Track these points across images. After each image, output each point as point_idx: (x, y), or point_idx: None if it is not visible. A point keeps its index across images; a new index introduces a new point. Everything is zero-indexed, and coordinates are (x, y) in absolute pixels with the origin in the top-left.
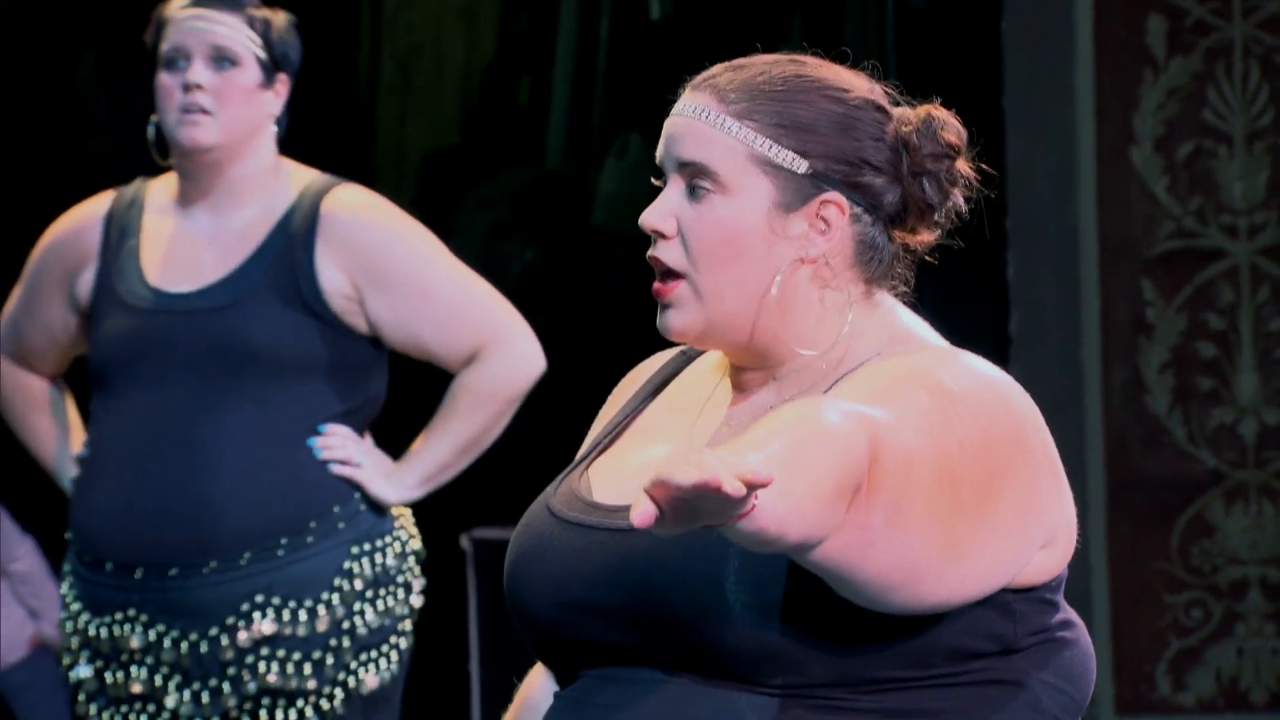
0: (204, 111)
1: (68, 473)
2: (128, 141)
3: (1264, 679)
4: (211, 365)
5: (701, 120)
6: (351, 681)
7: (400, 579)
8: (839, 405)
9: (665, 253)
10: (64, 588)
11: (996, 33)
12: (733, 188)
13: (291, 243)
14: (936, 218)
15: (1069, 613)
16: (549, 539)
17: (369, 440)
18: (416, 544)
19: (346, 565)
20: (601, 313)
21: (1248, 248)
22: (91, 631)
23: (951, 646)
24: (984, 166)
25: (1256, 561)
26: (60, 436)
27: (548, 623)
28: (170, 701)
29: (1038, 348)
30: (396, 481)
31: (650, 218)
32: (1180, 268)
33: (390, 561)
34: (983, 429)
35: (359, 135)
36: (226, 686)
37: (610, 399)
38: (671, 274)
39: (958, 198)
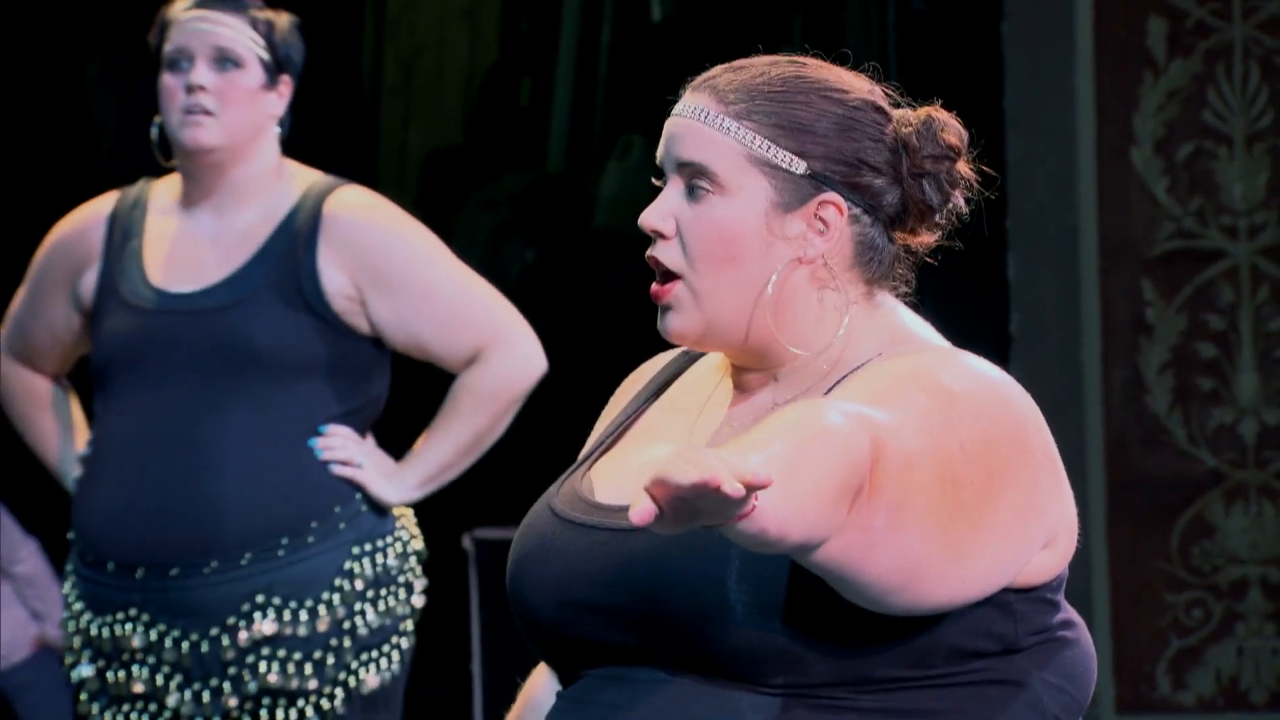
0: (207, 113)
1: (71, 472)
2: (131, 142)
3: (1264, 679)
4: (214, 365)
5: (700, 121)
6: (352, 681)
7: (401, 579)
8: (841, 406)
9: (664, 253)
10: (66, 587)
11: (997, 34)
12: (731, 188)
13: (294, 243)
14: (937, 219)
15: (1070, 612)
16: (551, 539)
17: (371, 441)
18: (418, 544)
19: (347, 565)
20: (603, 314)
21: (1248, 248)
22: (93, 631)
23: (953, 646)
24: (984, 167)
25: (1256, 561)
26: (64, 436)
27: (550, 622)
28: (171, 701)
29: (1038, 348)
30: (397, 482)
31: (649, 218)
32: (1180, 268)
33: (391, 562)
34: (983, 429)
35: (361, 137)
36: (227, 686)
37: (612, 399)
38: (669, 275)
39: (958, 199)
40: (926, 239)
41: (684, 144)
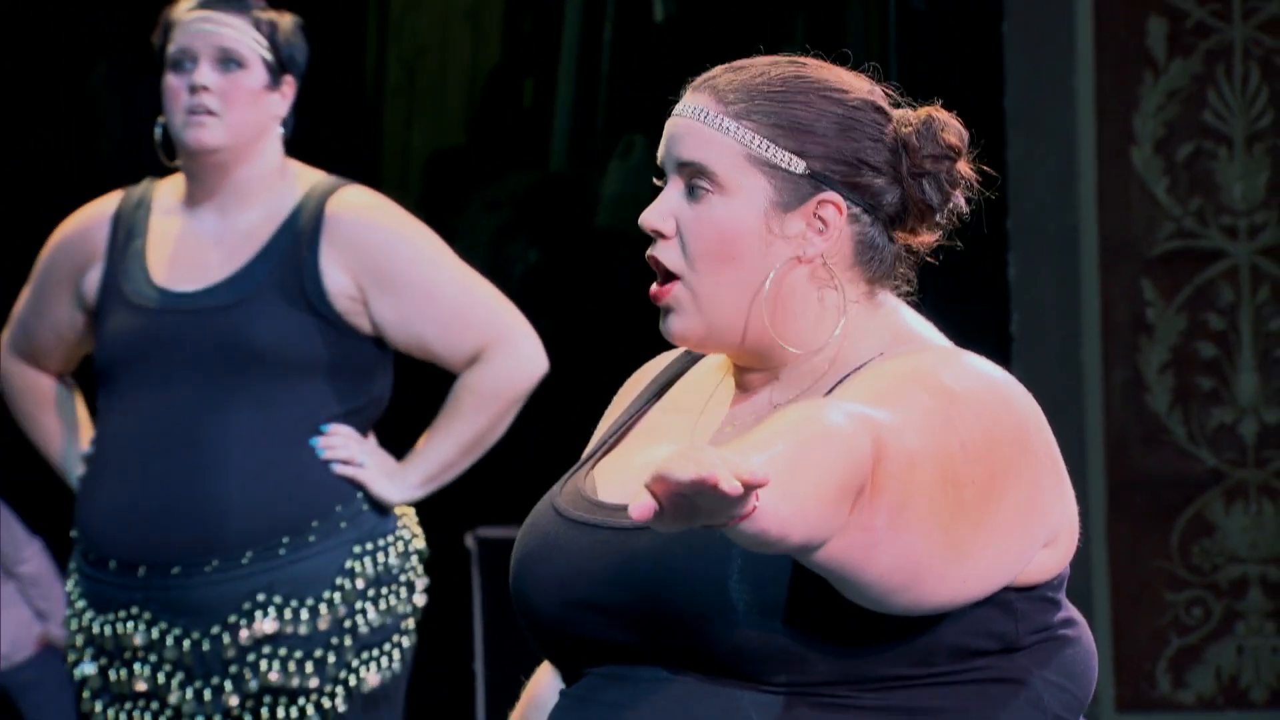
0: (210, 113)
1: (75, 471)
2: (135, 142)
3: (1264, 677)
4: (217, 364)
5: (700, 120)
6: (353, 680)
7: (403, 578)
8: (842, 406)
9: (663, 253)
10: (69, 585)
11: (997, 34)
12: (730, 188)
13: (297, 243)
14: (937, 218)
15: (1071, 611)
16: (554, 538)
17: (372, 440)
18: (419, 543)
19: (348, 564)
20: (605, 314)
21: (1248, 248)
22: (95, 629)
23: (954, 645)
24: (984, 167)
25: (1256, 560)
26: (68, 435)
27: (553, 621)
28: (173, 699)
29: (1038, 348)
30: (399, 481)
31: (649, 218)
32: (1180, 268)
33: (392, 561)
34: (985, 429)
35: (364, 137)
36: (228, 684)
37: (615, 399)
38: (669, 276)
39: (958, 199)
40: (927, 239)
41: (684, 144)
